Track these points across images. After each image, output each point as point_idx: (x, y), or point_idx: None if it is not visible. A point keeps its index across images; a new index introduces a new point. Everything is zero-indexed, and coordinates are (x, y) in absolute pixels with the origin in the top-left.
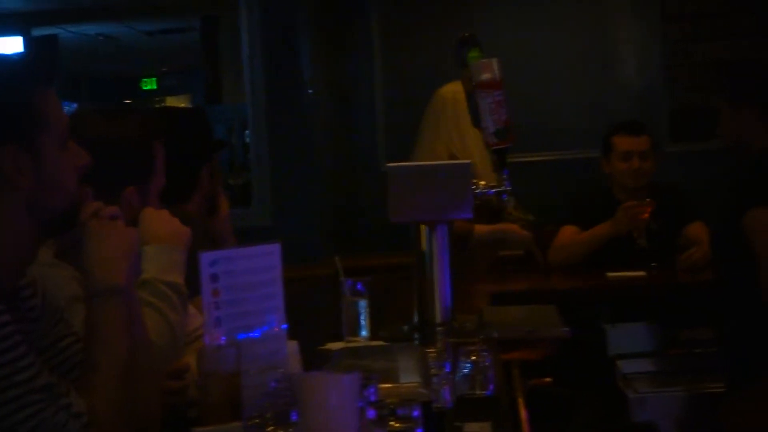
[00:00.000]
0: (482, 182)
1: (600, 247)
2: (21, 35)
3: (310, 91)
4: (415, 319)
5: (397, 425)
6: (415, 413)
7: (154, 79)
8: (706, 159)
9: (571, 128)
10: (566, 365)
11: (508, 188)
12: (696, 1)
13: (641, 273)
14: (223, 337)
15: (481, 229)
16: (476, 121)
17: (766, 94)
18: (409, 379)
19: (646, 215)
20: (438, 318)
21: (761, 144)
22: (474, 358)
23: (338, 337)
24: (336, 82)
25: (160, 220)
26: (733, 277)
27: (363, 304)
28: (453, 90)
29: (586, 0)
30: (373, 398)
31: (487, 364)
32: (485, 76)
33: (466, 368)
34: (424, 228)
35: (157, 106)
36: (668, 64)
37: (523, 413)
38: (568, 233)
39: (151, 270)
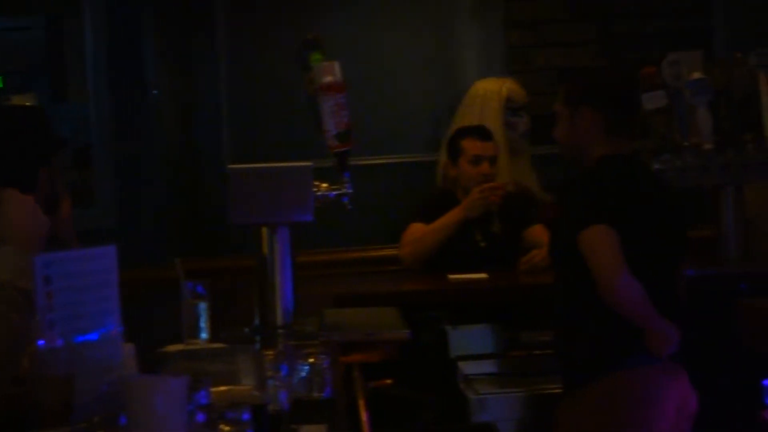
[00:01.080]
0: (324, 185)
1: (452, 235)
2: None
3: (155, 92)
4: (257, 321)
5: (227, 428)
6: (245, 416)
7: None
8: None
9: (414, 131)
10: (408, 367)
11: (350, 191)
12: (537, 8)
13: (483, 275)
14: (60, 340)
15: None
16: (318, 124)
17: (600, 98)
18: (247, 382)
19: (498, 198)
20: (279, 320)
21: (599, 151)
22: (312, 360)
23: (178, 340)
24: (181, 82)
25: (23, 212)
26: (567, 281)
27: (203, 306)
28: (486, 87)
29: (429, 4)
30: (203, 401)
31: (324, 366)
32: (327, 79)
33: (303, 371)
34: (265, 230)
35: (2, 104)
36: (510, 70)
37: (364, 415)
38: (417, 227)
39: (6, 272)
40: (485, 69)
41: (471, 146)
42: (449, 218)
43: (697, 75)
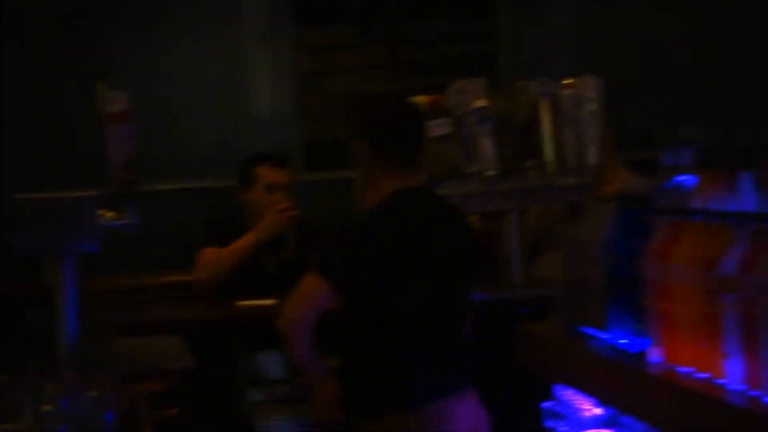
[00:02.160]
0: (109, 214)
1: (247, 257)
2: None
3: None
4: (40, 352)
5: None
6: None
7: None
8: (339, 188)
9: (206, 157)
10: (196, 395)
11: (134, 220)
12: (327, 33)
13: (272, 301)
14: None
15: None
16: (105, 153)
17: (372, 131)
18: (25, 418)
19: (289, 221)
20: (62, 351)
21: (387, 187)
22: (94, 392)
23: None
24: None
25: None
26: (346, 314)
27: None
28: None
29: (219, 30)
30: None
31: (108, 397)
32: (114, 108)
33: (86, 403)
34: (50, 260)
35: None
36: (300, 96)
37: None
38: (211, 252)
39: None
40: (276, 94)
41: (265, 174)
42: (243, 242)
43: (480, 103)
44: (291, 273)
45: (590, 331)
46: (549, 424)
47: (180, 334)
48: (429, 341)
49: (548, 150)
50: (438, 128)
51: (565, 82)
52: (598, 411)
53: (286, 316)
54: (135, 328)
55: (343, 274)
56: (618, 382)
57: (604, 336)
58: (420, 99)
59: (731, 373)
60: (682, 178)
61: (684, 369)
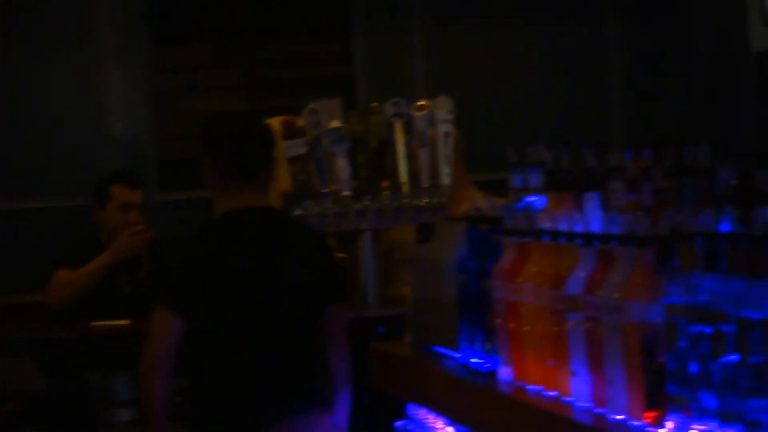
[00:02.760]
0: None
1: (102, 277)
2: None
3: None
4: None
5: None
6: None
7: None
8: (194, 209)
9: (62, 176)
10: (48, 416)
11: None
12: (183, 53)
13: (125, 321)
14: None
15: None
16: None
17: (215, 146)
18: None
19: (144, 242)
20: None
21: (225, 205)
22: None
23: None
24: None
25: None
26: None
27: None
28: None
29: (74, 49)
30: None
31: None
32: None
33: None
34: None
35: None
36: (157, 115)
37: None
38: (64, 273)
39: None
40: (131, 114)
41: (119, 193)
42: (98, 263)
43: (335, 123)
44: (145, 293)
45: (442, 350)
46: None
47: (33, 354)
48: (266, 364)
49: (402, 170)
50: (293, 149)
51: (418, 103)
52: (450, 430)
53: (146, 363)
54: None
55: (184, 300)
56: (469, 402)
57: (456, 355)
58: (275, 120)
59: (578, 391)
60: (531, 199)
61: (533, 387)
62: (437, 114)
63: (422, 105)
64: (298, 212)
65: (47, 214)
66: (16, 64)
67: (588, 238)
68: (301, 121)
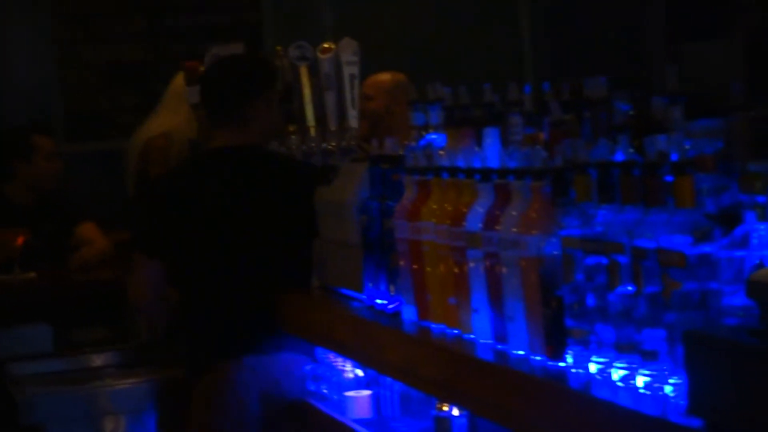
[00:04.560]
0: None
1: None
2: None
3: None
4: None
5: None
6: None
7: None
8: (99, 159)
9: None
10: None
11: None
12: (86, 1)
13: (31, 274)
14: None
15: None
16: None
17: (201, 93)
18: None
19: (20, 242)
20: None
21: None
22: None
23: None
24: None
25: None
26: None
27: None
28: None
29: None
30: None
31: None
32: None
33: None
34: None
35: None
36: (60, 65)
37: None
38: None
39: None
40: (35, 63)
41: (44, 143)
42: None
43: None
44: (49, 246)
45: (348, 292)
46: (311, 385)
47: None
48: (220, 301)
49: (309, 114)
50: (196, 95)
51: (323, 45)
52: (359, 372)
53: (131, 297)
54: None
55: (153, 241)
56: (374, 343)
57: (361, 297)
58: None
59: (479, 328)
60: (432, 137)
61: (436, 326)
62: (342, 56)
63: (327, 48)
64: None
65: None
66: None
67: (485, 173)
68: (203, 67)
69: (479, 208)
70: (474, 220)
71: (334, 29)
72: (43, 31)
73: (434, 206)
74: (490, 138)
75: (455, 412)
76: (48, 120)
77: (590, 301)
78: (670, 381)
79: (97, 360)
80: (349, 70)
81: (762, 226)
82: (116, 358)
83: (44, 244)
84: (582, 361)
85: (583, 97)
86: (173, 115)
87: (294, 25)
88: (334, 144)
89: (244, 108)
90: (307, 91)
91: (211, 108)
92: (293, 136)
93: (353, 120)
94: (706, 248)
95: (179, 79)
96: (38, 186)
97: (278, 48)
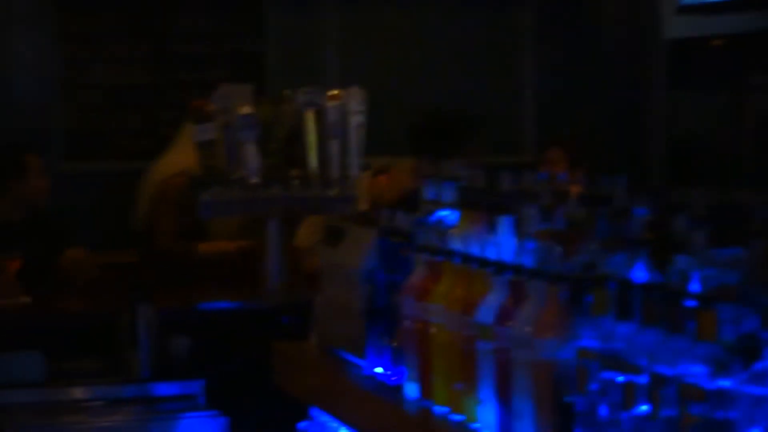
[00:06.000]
0: None
1: None
2: None
3: None
4: None
5: None
6: None
7: None
8: (98, 179)
9: None
10: None
11: None
12: (92, 22)
13: (26, 298)
14: None
15: None
16: None
17: None
18: None
19: (16, 266)
20: None
21: None
22: None
23: None
24: None
25: None
26: None
27: None
28: None
29: None
30: None
31: None
32: None
33: None
34: None
35: None
36: (65, 84)
37: None
38: None
39: None
40: (38, 82)
41: (35, 161)
42: None
43: (246, 110)
44: (39, 270)
45: (348, 356)
46: None
47: None
48: None
49: (312, 160)
50: (203, 133)
51: (331, 93)
52: None
53: None
54: None
55: None
56: (373, 415)
57: (362, 363)
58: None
59: (484, 419)
60: (444, 213)
61: (439, 409)
62: (349, 105)
63: (334, 95)
64: (206, 197)
65: None
66: None
67: (500, 268)
68: (211, 106)
69: (492, 301)
70: (486, 313)
71: (339, 60)
72: (47, 49)
73: (444, 289)
74: (505, 227)
75: None
76: (47, 138)
77: (603, 412)
78: None
79: (86, 393)
80: (356, 120)
81: None
82: (107, 392)
83: (36, 263)
84: None
85: (599, 194)
86: (189, 154)
87: (297, 55)
88: (335, 192)
89: None
90: (311, 137)
91: None
92: (295, 182)
93: (355, 169)
94: (726, 382)
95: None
96: (30, 203)
97: (285, 92)
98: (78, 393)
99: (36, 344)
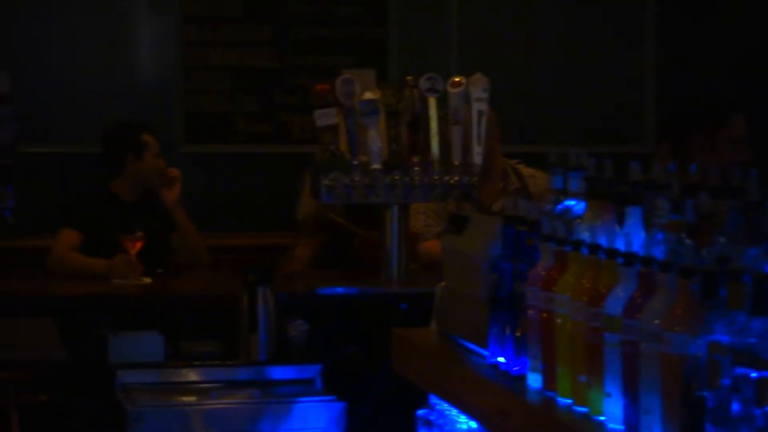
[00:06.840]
0: None
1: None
2: None
3: None
4: None
5: None
6: None
7: None
8: (219, 161)
9: (85, 122)
10: (65, 374)
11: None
12: (214, 6)
13: (147, 280)
14: None
15: None
16: None
17: None
18: None
19: (137, 248)
20: None
21: None
22: None
23: None
24: None
25: None
26: None
27: None
28: None
29: None
30: None
31: None
32: None
33: None
34: None
35: None
36: (186, 67)
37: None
38: (68, 241)
39: None
40: (160, 64)
41: (152, 141)
42: (93, 268)
43: (369, 95)
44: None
45: (469, 344)
46: (423, 431)
47: (51, 311)
48: None
49: (434, 146)
50: (324, 117)
51: (454, 79)
52: (473, 424)
53: None
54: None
55: None
56: (495, 404)
57: (484, 352)
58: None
59: (610, 412)
60: (571, 203)
61: (563, 401)
62: (472, 91)
63: (457, 81)
64: (326, 182)
65: (70, 159)
66: (46, 12)
67: (630, 259)
68: (334, 90)
69: (620, 293)
70: (614, 304)
71: (459, 45)
72: (169, 31)
73: (571, 279)
74: (633, 218)
75: None
76: (168, 121)
77: (735, 409)
78: None
79: (204, 374)
80: (478, 106)
81: None
82: (224, 374)
83: (156, 245)
84: None
85: (732, 186)
86: None
87: (419, 41)
88: (456, 179)
89: None
90: (433, 124)
91: None
92: (416, 168)
93: (477, 156)
94: None
95: None
96: (144, 183)
97: (409, 78)
98: (195, 374)
99: (156, 325)
